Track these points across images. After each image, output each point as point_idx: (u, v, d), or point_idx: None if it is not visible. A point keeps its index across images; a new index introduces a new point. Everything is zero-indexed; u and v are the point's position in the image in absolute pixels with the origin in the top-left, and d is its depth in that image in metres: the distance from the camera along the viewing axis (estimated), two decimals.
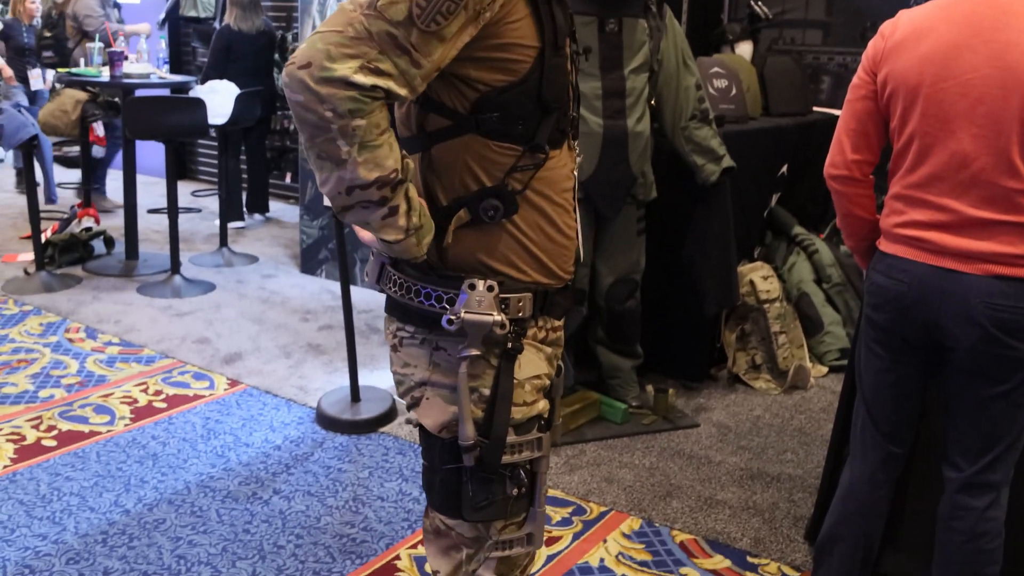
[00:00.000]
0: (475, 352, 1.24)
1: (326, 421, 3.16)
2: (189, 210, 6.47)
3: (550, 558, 2.40)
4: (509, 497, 1.28)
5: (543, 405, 1.32)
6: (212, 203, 6.66)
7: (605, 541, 2.50)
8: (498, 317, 1.23)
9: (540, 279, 1.30)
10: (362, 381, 3.32)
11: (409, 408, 1.35)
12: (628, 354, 3.32)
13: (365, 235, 1.26)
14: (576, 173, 1.37)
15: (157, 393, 3.40)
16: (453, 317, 1.22)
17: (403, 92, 1.11)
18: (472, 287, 1.23)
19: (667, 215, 3.30)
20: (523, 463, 1.30)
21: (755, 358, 3.70)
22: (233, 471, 2.83)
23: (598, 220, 3.10)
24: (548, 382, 1.34)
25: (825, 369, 3.82)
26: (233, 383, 3.52)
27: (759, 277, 3.71)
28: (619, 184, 3.00)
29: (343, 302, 3.21)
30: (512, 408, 1.26)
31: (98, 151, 5.61)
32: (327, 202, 1.28)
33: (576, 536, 2.52)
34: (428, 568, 1.46)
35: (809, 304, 3.87)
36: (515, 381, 1.27)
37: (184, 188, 7.03)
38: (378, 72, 1.08)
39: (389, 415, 3.19)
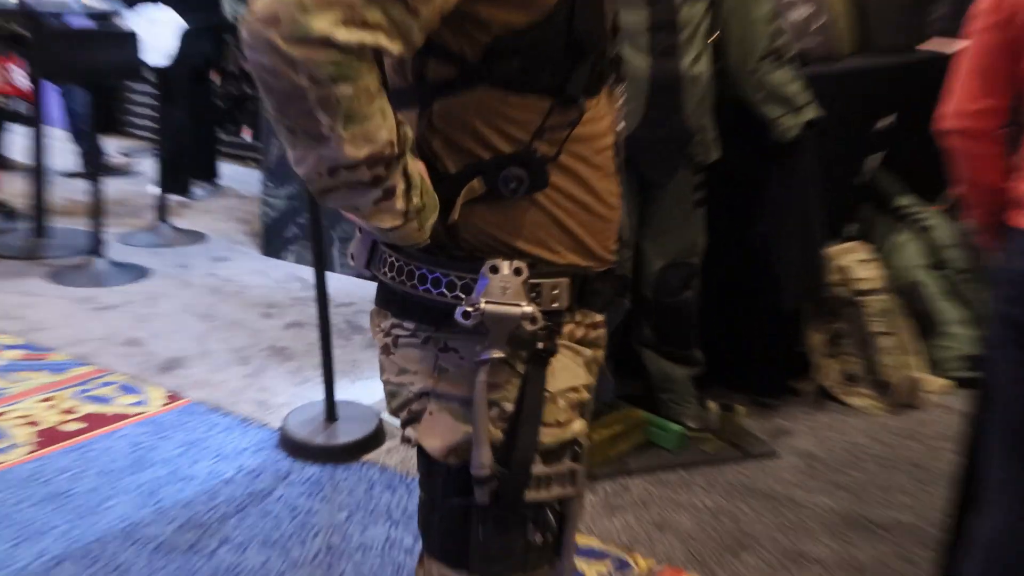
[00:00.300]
0: (498, 355, 1.24)
1: (293, 447, 3.14)
2: (117, 174, 6.44)
3: None
4: (531, 545, 1.31)
5: (580, 427, 1.34)
6: (148, 166, 6.65)
7: None
8: (528, 308, 1.23)
9: (578, 260, 1.32)
10: (340, 395, 3.30)
11: (404, 425, 1.35)
12: (683, 360, 3.30)
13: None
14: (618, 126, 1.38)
15: (69, 411, 3.36)
16: (470, 308, 1.22)
17: (397, 48, 1.13)
18: (494, 270, 1.24)
19: (733, 182, 3.28)
20: (552, 502, 1.32)
21: (850, 367, 3.67)
22: (168, 514, 2.78)
23: (644, 188, 3.07)
24: (587, 395, 1.36)
25: (946, 382, 3.80)
26: (172, 397, 3.49)
27: (854, 261, 3.69)
28: (671, 142, 2.99)
29: (317, 293, 3.18)
30: (542, 429, 1.28)
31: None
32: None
33: None
34: None
35: (922, 297, 3.88)
36: (547, 394, 1.29)
37: (112, 146, 7.03)
38: (364, 24, 1.09)
39: (374, 439, 3.17)
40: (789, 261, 3.34)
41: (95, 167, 4.62)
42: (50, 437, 3.17)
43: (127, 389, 3.53)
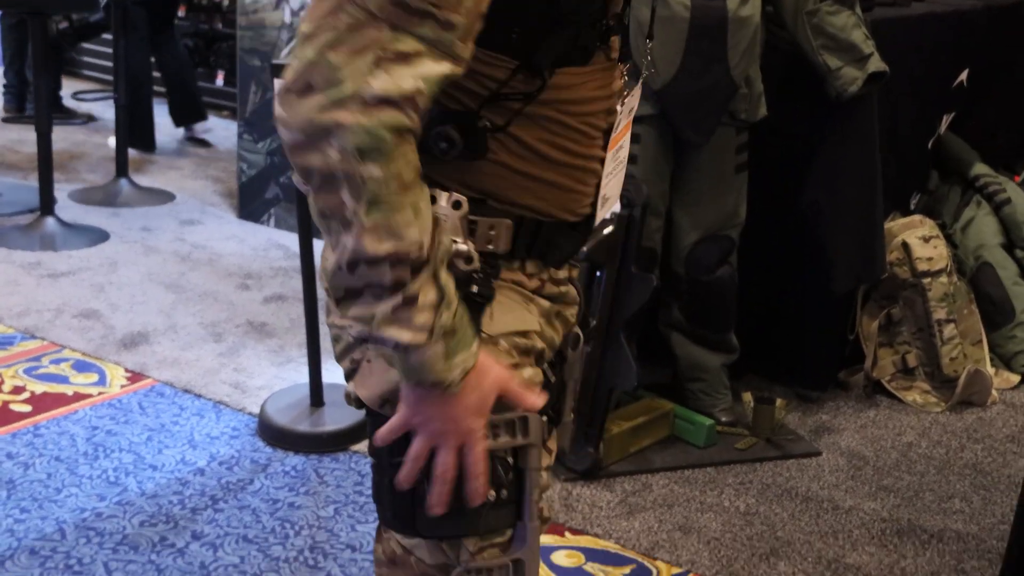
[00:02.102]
0: None
1: (273, 434, 3.19)
2: (70, 120, 6.48)
3: None
4: (483, 503, 1.31)
5: (532, 374, 1.38)
6: (105, 111, 6.68)
7: None
8: (464, 246, 1.26)
9: (531, 204, 1.34)
10: (327, 377, 3.32)
11: (348, 378, 1.40)
12: (717, 346, 3.34)
13: None
14: (625, 91, 1.39)
15: (17, 390, 3.41)
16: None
17: (446, 68, 1.16)
18: (432, 200, 1.25)
19: (781, 143, 3.28)
20: (501, 453, 1.33)
21: (907, 358, 3.70)
22: (132, 506, 2.85)
23: (678, 148, 3.10)
24: (542, 345, 1.40)
25: (1016, 378, 3.82)
26: (135, 377, 3.54)
27: (917, 239, 3.71)
28: (712, 95, 2.99)
29: (302, 262, 3.21)
30: None
31: None
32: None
33: None
34: None
35: (993, 280, 3.88)
36: (483, 336, 1.31)
37: (64, 88, 7.04)
38: (402, 58, 1.13)
39: (365, 426, 3.18)
40: (844, 236, 3.34)
41: (45, 112, 4.65)
42: None
43: (83, 367, 3.58)
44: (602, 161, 1.40)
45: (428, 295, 1.18)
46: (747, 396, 3.37)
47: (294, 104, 1.13)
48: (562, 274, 1.44)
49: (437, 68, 1.15)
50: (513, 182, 1.33)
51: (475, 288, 1.28)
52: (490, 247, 1.32)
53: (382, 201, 1.14)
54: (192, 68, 6.47)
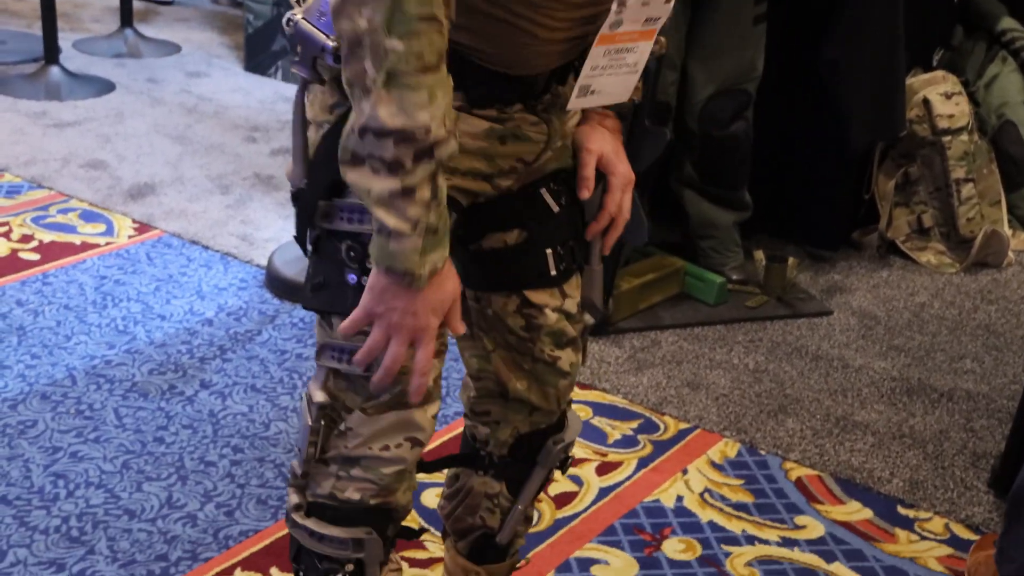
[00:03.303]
0: (303, 73, 1.39)
1: (281, 286, 3.21)
2: None
3: (604, 492, 2.45)
4: (348, 284, 1.38)
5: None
6: None
7: (685, 472, 2.54)
8: (330, 43, 1.32)
9: (461, 41, 1.35)
10: None
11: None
12: (730, 203, 3.34)
13: None
14: None
15: (25, 239, 3.43)
16: (287, 17, 1.36)
17: None
18: None
19: None
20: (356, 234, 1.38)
21: (923, 218, 3.70)
22: (141, 355, 2.88)
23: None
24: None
25: None
26: (142, 228, 3.56)
27: (938, 95, 3.67)
28: None
29: None
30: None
31: None
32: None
33: (643, 463, 2.56)
34: None
35: (1015, 139, 3.84)
36: None
37: None
38: None
39: None
40: (863, 91, 3.32)
41: None
42: (4, 267, 3.25)
43: (90, 217, 3.60)
44: (573, 45, 1.40)
45: (424, 192, 1.23)
46: (759, 254, 3.38)
47: None
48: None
49: None
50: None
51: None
52: None
53: (400, 77, 1.18)
54: None
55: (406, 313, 1.29)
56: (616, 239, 1.59)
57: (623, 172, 1.57)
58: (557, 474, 1.78)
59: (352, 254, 1.36)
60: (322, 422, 1.45)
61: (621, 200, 1.57)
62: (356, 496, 1.47)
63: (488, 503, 1.74)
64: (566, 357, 1.62)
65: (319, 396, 1.44)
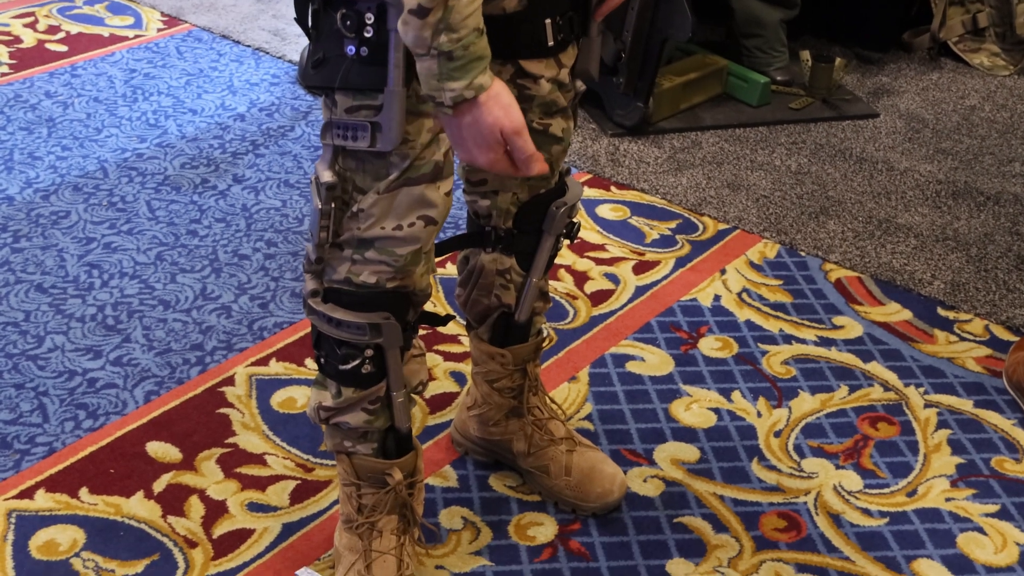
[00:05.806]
0: None
1: None
2: None
3: (641, 290, 2.45)
4: (346, 57, 1.37)
5: None
6: None
7: (723, 272, 2.54)
8: None
9: None
10: None
11: None
12: (776, 0, 3.28)
13: None
14: None
15: (52, 30, 3.42)
16: None
17: None
18: None
19: None
20: (363, 8, 1.35)
21: (979, 18, 3.62)
22: (173, 148, 2.88)
23: None
24: None
25: None
26: (171, 21, 3.53)
27: None
28: None
29: None
30: None
31: None
32: None
33: (681, 263, 2.56)
34: None
35: None
36: None
37: None
38: None
39: None
40: None
41: None
42: (30, 59, 3.23)
43: (118, 9, 3.56)
44: None
45: (438, 12, 1.22)
46: (805, 55, 3.31)
47: None
48: None
49: None
50: None
51: None
52: None
53: None
54: None
55: (451, 137, 1.33)
56: (612, 8, 1.55)
57: None
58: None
59: (348, 23, 1.34)
60: (332, 204, 1.44)
61: None
62: (372, 279, 1.46)
63: (501, 279, 1.74)
64: (556, 124, 1.60)
65: (327, 176, 1.43)
